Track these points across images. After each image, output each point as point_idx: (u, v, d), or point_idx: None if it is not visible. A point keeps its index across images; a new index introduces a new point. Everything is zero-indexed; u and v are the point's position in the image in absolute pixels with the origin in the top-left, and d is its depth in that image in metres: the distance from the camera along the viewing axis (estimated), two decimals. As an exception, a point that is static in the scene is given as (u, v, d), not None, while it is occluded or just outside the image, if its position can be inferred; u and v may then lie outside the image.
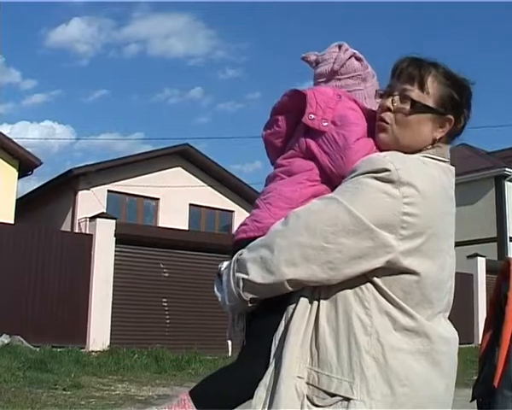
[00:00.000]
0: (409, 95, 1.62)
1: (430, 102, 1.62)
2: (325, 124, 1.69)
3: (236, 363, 1.70)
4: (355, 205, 1.49)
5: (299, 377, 1.52)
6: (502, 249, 23.37)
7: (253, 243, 1.62)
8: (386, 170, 1.50)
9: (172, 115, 49.39)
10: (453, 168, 1.67)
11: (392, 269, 1.50)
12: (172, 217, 19.07)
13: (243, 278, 1.57)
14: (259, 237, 1.64)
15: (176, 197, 19.87)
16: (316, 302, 1.56)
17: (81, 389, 8.39)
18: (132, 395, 8.39)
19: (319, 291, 1.56)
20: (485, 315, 3.72)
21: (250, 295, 1.58)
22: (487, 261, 18.67)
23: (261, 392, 1.56)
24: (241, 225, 1.76)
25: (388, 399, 1.47)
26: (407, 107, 1.62)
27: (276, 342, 1.58)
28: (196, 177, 20.96)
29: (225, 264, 1.68)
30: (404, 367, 1.49)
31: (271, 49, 52.32)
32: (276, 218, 1.64)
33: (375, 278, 1.52)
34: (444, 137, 1.65)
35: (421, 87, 1.62)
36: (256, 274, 1.55)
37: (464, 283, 17.07)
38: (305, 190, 1.68)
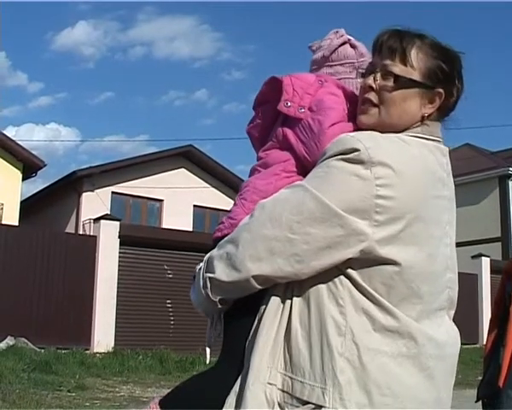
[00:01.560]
0: (391, 70, 1.46)
1: (416, 76, 1.46)
2: (302, 111, 1.56)
3: (209, 369, 1.58)
4: (322, 190, 1.35)
5: (269, 383, 1.38)
6: (506, 249, 23.32)
7: (223, 240, 1.51)
8: (355, 150, 1.35)
9: (178, 117, 49.49)
10: (445, 148, 1.51)
11: (368, 260, 1.35)
12: (176, 218, 19.08)
13: (210, 277, 1.45)
14: None
15: (180, 199, 19.88)
16: (289, 301, 1.42)
17: (86, 390, 8.41)
18: (137, 397, 8.40)
19: (292, 288, 1.42)
20: (489, 315, 3.71)
21: (218, 296, 1.46)
22: (492, 261, 18.64)
23: (231, 399, 1.43)
24: (219, 223, 1.67)
25: (366, 409, 1.32)
26: (390, 83, 1.46)
27: (248, 346, 1.45)
28: (200, 178, 20.97)
29: (201, 265, 1.57)
30: (384, 373, 1.33)
31: (277, 50, 52.34)
32: (249, 213, 1.50)
33: (351, 271, 1.37)
34: (434, 113, 1.49)
35: (404, 60, 1.46)
36: (221, 272, 1.42)
37: (469, 283, 17.04)
38: (280, 182, 1.55)
